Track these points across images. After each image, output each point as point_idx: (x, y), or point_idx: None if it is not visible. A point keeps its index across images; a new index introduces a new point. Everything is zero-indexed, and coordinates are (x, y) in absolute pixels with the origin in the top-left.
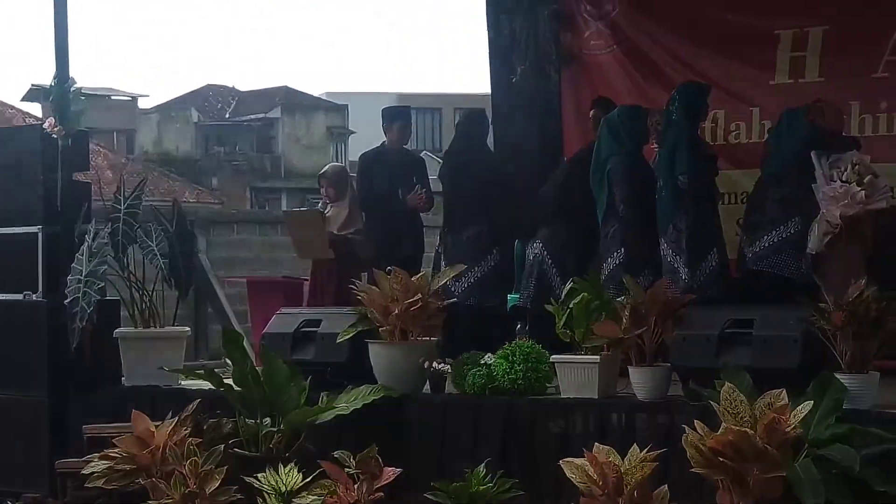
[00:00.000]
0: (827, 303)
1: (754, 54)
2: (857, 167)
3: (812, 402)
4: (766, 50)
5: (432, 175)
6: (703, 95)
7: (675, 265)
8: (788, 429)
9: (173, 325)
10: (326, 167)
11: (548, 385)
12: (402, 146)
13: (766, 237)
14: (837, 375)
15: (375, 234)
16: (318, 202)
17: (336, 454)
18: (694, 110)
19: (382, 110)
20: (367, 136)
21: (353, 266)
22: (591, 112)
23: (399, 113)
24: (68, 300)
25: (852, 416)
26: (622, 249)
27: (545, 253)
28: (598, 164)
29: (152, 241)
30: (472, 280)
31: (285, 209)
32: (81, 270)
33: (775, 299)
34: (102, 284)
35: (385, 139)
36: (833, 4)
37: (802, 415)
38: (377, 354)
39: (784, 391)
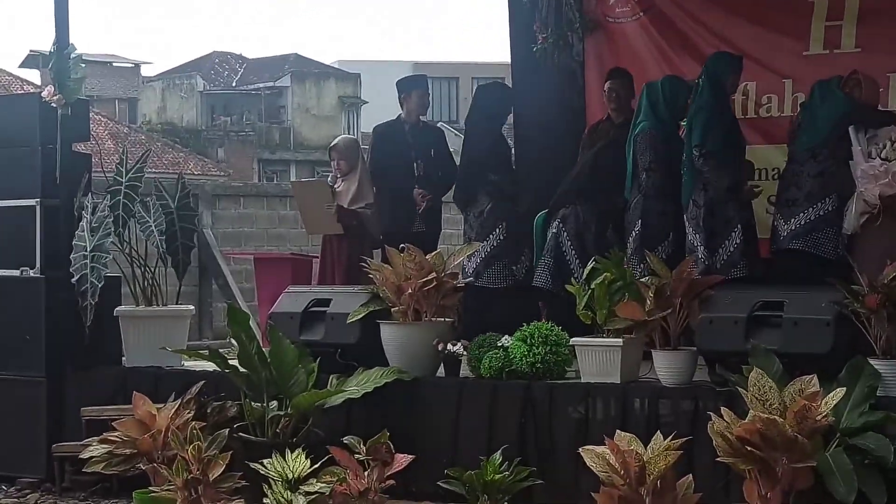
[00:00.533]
0: (861, 284)
1: (787, 23)
2: None
3: (844, 388)
4: (800, 18)
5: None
6: (733, 66)
7: (695, 244)
8: (819, 416)
9: (176, 304)
10: (337, 139)
11: (567, 369)
12: (420, 118)
13: (802, 214)
14: (871, 361)
15: (387, 211)
16: (328, 175)
17: (345, 440)
18: (718, 81)
19: (398, 80)
20: (380, 106)
21: (363, 242)
22: (606, 84)
23: (416, 82)
24: (76, 277)
25: (887, 403)
26: (639, 221)
27: (564, 233)
28: (631, 133)
29: (150, 217)
30: (477, 260)
31: (293, 180)
32: (86, 246)
33: (807, 280)
34: (110, 257)
35: (401, 111)
36: None
37: (834, 402)
38: (389, 335)
39: (815, 377)
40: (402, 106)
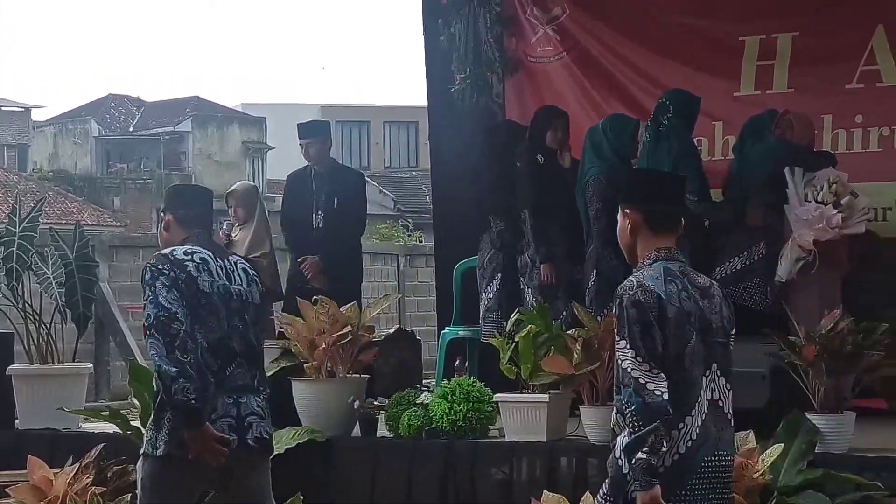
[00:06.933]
0: (797, 335)
1: (717, 63)
2: (833, 186)
3: (782, 444)
4: (731, 58)
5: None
6: (697, 104)
7: None
8: (756, 475)
9: (73, 362)
10: (235, 185)
11: (491, 427)
12: (330, 163)
13: (728, 263)
14: (809, 416)
15: (293, 265)
16: (225, 224)
17: None
18: (691, 121)
19: (297, 126)
20: (286, 152)
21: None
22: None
23: (312, 129)
24: None
25: (826, 460)
26: (594, 271)
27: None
28: (580, 180)
29: (48, 268)
30: (482, 310)
31: None
32: None
33: (740, 332)
34: None
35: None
36: (804, 9)
37: (771, 459)
38: (302, 393)
39: (751, 433)
40: (304, 153)
